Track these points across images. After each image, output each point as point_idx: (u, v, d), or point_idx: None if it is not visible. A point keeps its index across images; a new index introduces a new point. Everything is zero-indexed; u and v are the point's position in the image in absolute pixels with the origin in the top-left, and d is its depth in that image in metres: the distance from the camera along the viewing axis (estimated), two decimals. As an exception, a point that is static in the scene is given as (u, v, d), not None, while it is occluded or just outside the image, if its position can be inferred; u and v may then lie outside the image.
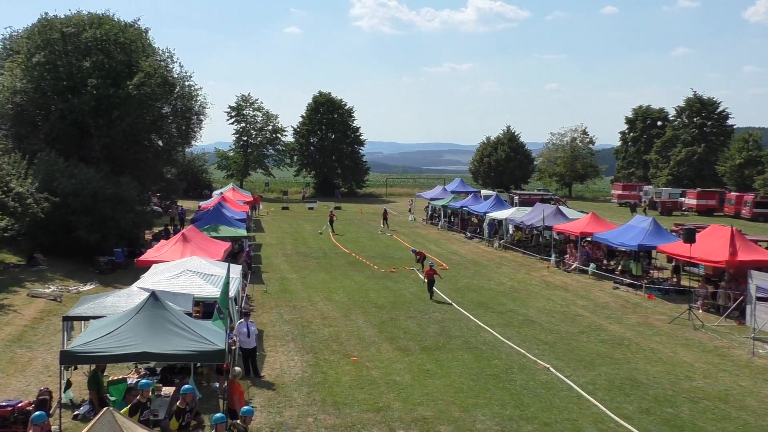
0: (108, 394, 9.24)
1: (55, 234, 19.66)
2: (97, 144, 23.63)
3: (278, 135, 58.40)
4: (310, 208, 43.36)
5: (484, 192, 44.02)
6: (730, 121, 54.26)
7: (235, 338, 11.13)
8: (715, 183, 49.33)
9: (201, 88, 28.46)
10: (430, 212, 37.03)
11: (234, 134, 58.78)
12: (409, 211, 41.00)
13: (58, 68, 23.32)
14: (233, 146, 59.39)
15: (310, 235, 30.80)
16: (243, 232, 21.41)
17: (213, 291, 12.07)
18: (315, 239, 29.08)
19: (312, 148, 58.81)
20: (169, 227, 26.87)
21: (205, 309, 12.86)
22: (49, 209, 19.12)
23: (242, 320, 11.59)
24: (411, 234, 31.81)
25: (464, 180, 46.43)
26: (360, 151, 60.05)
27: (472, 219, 32.90)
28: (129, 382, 9.58)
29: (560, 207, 26.63)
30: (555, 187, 60.87)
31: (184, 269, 12.94)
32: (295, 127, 61.07)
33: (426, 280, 18.95)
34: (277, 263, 22.83)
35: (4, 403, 8.64)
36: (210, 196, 37.41)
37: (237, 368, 9.40)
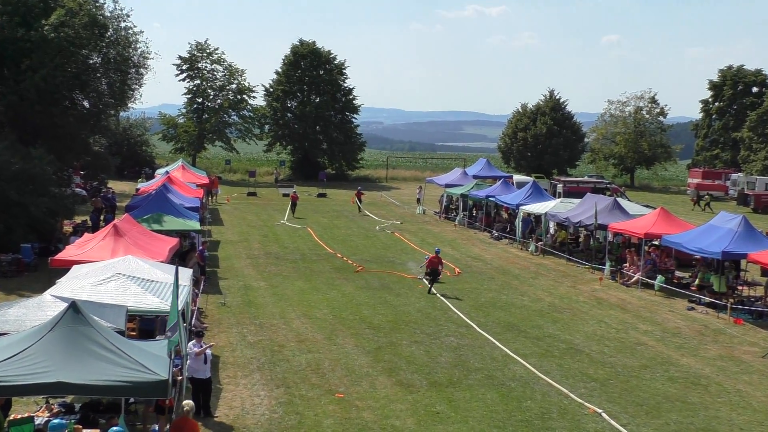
0: (8, 438, 9.19)
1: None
2: (0, 103, 23.22)
3: (244, 97, 58.51)
4: (286, 195, 43.52)
5: (517, 178, 43.85)
6: None
7: (181, 367, 11.04)
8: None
9: (142, 32, 28.54)
10: (445, 203, 37.60)
11: (185, 95, 58.63)
12: (418, 201, 41.30)
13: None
14: (184, 111, 59.24)
15: (285, 230, 31.21)
16: (195, 224, 21.59)
17: (154, 302, 12.04)
18: (291, 236, 29.42)
19: (289, 115, 59.20)
20: (97, 217, 26.47)
21: (142, 326, 12.95)
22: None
23: (194, 342, 11.52)
24: (419, 232, 32.13)
25: (491, 161, 47.10)
26: (354, 120, 60.63)
27: (501, 213, 33.54)
28: (37, 422, 9.16)
29: (618, 199, 26.48)
30: (612, 173, 60.91)
31: (116, 272, 12.86)
32: (268, 86, 61.37)
33: (427, 270, 19.63)
34: (240, 267, 22.99)
35: None
36: (152, 177, 37.83)
37: (188, 402, 9.28)
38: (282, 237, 29.27)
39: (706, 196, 43.92)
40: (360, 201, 39.29)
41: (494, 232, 31.12)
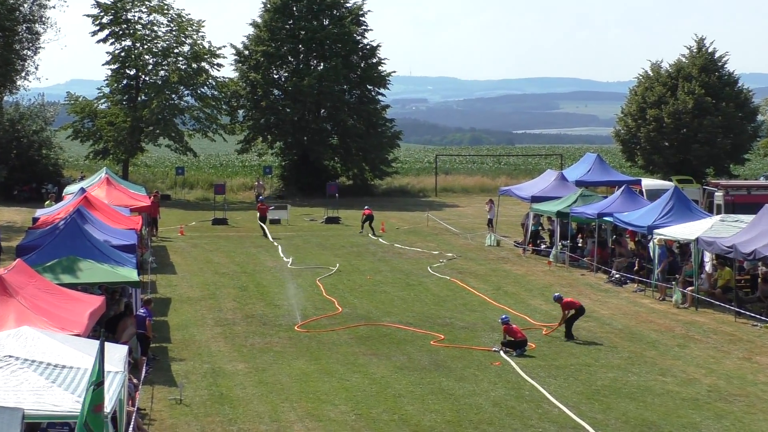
0: None
1: None
2: None
3: (204, 66, 59.61)
4: (276, 221, 45.03)
5: (648, 183, 44.36)
6: None
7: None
8: None
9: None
10: (531, 227, 38.01)
11: (108, 65, 59.46)
12: (489, 224, 41.81)
13: None
14: (107, 91, 60.31)
15: (274, 278, 31.81)
16: (131, 273, 22.02)
17: (65, 402, 12.12)
18: (282, 286, 29.90)
19: (276, 92, 61.02)
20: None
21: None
22: None
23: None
24: (491, 275, 32.91)
25: (603, 158, 47.12)
26: (380, 97, 62.63)
27: (624, 242, 33.63)
28: None
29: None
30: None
31: (3, 355, 13.02)
32: (240, 48, 62.20)
33: (508, 338, 22.13)
34: (205, 340, 23.31)
35: None
36: (59, 198, 38.57)
37: None
38: (270, 289, 29.76)
39: None
40: (371, 225, 42.15)
41: (614, 272, 31.08)
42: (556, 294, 24.83)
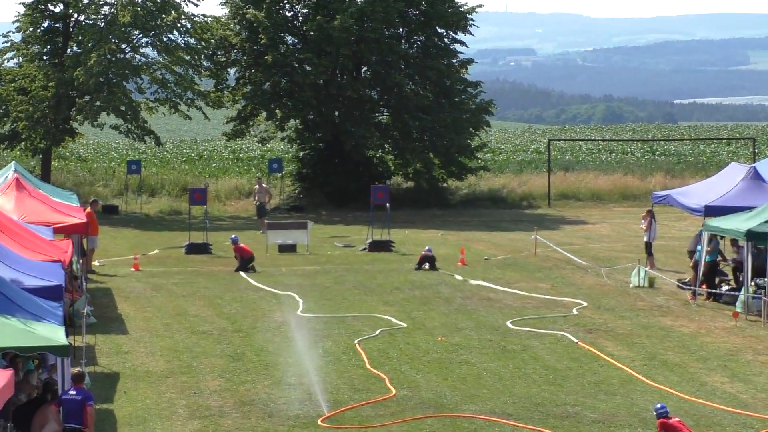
0: None
1: None
2: None
3: (169, 3, 61.36)
4: (286, 250, 46.77)
5: None
6: None
7: None
8: None
9: None
10: (706, 257, 37.61)
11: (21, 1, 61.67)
12: (647, 251, 42.31)
13: None
14: (18, 40, 62.80)
15: (285, 340, 31.60)
16: (54, 334, 21.49)
17: None
18: (298, 353, 29.71)
19: (289, 40, 63.98)
20: None
21: None
22: None
23: None
24: (636, 332, 32.87)
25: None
26: (460, 47, 65.92)
27: None
28: None
29: None
30: None
31: None
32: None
33: None
34: None
35: None
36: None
37: None
38: (278, 358, 29.51)
39: None
40: (432, 267, 42.70)
41: None
42: (659, 406, 22.54)
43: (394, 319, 34.29)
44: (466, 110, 62.11)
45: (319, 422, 23.90)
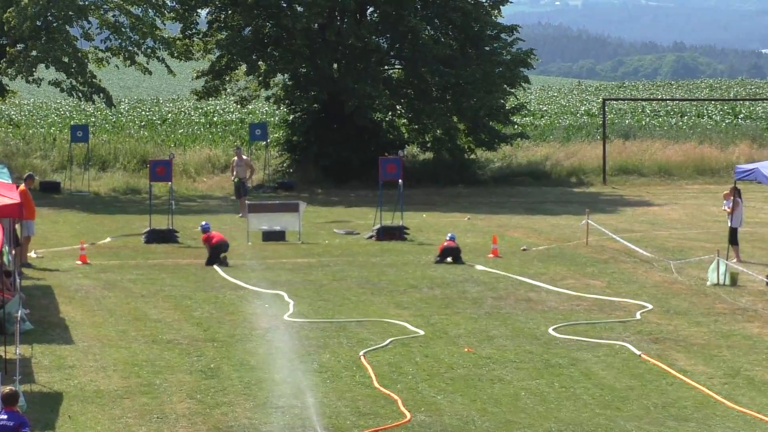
0: None
1: None
2: None
3: None
4: (271, 237, 46.80)
5: None
6: None
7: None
8: None
9: None
10: None
11: None
12: (731, 239, 43.01)
13: None
14: None
15: (271, 352, 31.69)
16: None
17: None
18: (286, 368, 29.99)
19: None
20: None
21: None
22: None
23: None
24: (714, 341, 33.20)
25: None
26: None
27: None
28: None
29: None
30: None
31: None
32: None
33: None
34: None
35: None
36: None
37: None
38: (262, 374, 29.25)
39: None
40: (457, 260, 42.62)
41: None
42: None
43: (408, 326, 33.61)
44: (498, 62, 62.09)
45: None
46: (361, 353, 30.40)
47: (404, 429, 25.09)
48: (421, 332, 32.49)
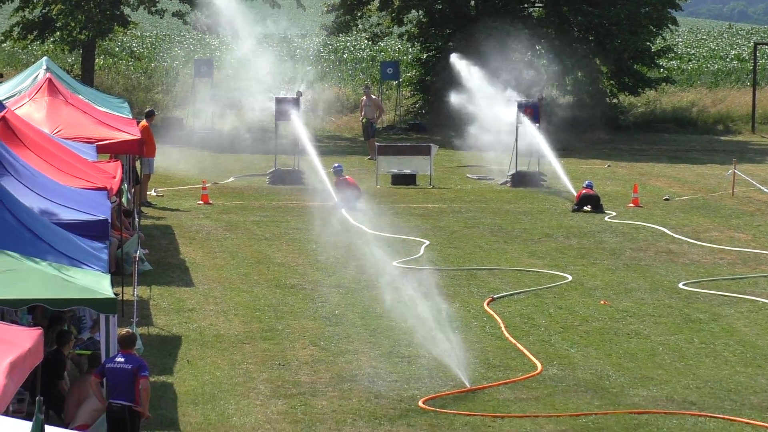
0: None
1: None
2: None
3: None
4: (402, 178, 46.67)
5: None
6: None
7: None
8: None
9: None
10: None
11: None
12: None
13: None
14: None
15: (399, 300, 31.47)
16: (98, 283, 22.24)
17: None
18: (414, 316, 29.65)
19: None
20: None
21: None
22: None
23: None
24: None
25: None
26: None
27: None
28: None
29: None
30: None
31: None
32: None
33: None
34: (250, 430, 23.71)
35: None
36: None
37: None
38: (388, 321, 30.08)
39: None
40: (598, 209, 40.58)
41: None
42: None
43: (553, 272, 33.91)
44: (645, 2, 61.46)
45: (419, 404, 24.32)
46: (487, 302, 30.62)
47: (535, 382, 24.66)
48: (558, 282, 31.99)
